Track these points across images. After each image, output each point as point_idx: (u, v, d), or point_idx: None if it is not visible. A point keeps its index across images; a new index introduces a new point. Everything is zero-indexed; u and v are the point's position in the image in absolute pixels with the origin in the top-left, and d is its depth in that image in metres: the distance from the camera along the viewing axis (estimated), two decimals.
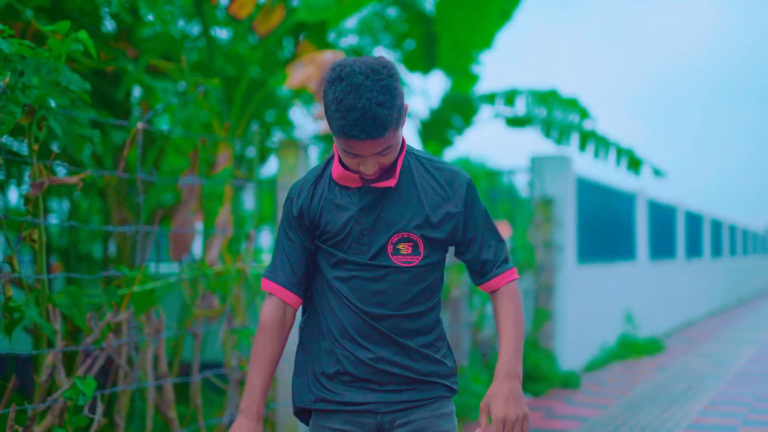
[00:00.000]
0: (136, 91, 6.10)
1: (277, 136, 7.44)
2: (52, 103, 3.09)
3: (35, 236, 3.10)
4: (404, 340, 2.18)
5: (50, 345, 3.17)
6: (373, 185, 2.15)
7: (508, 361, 2.13)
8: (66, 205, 7.03)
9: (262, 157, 6.81)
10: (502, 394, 2.09)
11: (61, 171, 4.98)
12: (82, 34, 2.92)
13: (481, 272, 2.26)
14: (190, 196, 5.15)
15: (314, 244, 2.23)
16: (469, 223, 2.22)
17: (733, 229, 22.48)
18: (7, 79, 2.78)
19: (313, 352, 2.25)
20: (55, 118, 3.14)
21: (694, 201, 19.00)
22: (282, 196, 4.42)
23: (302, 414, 2.28)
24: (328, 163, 2.25)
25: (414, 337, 2.20)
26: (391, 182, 2.15)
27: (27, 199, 3.07)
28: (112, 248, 6.69)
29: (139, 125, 3.45)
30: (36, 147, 3.00)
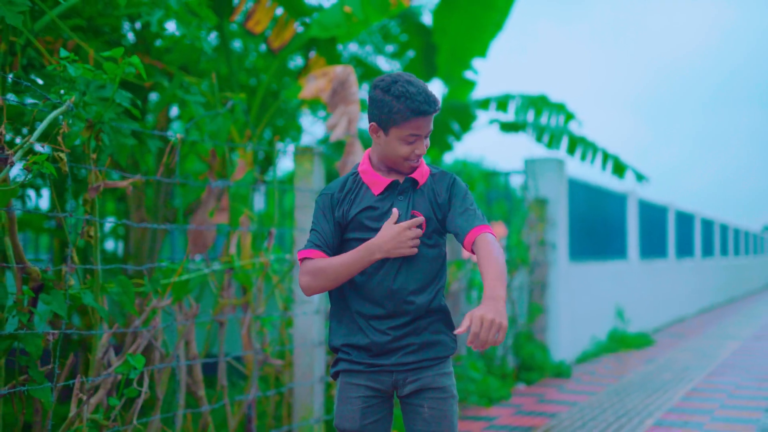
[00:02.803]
0: (152, 96, 6.58)
1: (290, 145, 7.91)
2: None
3: (92, 233, 3.57)
4: (413, 317, 2.70)
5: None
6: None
7: (491, 287, 2.54)
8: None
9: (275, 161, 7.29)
10: (485, 305, 2.48)
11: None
12: (135, 59, 3.39)
13: (461, 235, 2.71)
14: (209, 197, 5.62)
15: (341, 222, 2.74)
16: (452, 201, 2.75)
17: (724, 228, 22.95)
18: (73, 98, 3.26)
19: (344, 314, 2.76)
20: (106, 130, 3.61)
21: (696, 203, 19.55)
22: (300, 198, 4.91)
23: (335, 350, 2.79)
24: (354, 176, 2.79)
25: (418, 294, 2.72)
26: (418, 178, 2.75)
27: (85, 201, 3.54)
28: (120, 248, 7.19)
29: (178, 136, 3.94)
30: (94, 156, 3.48)
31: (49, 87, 3.78)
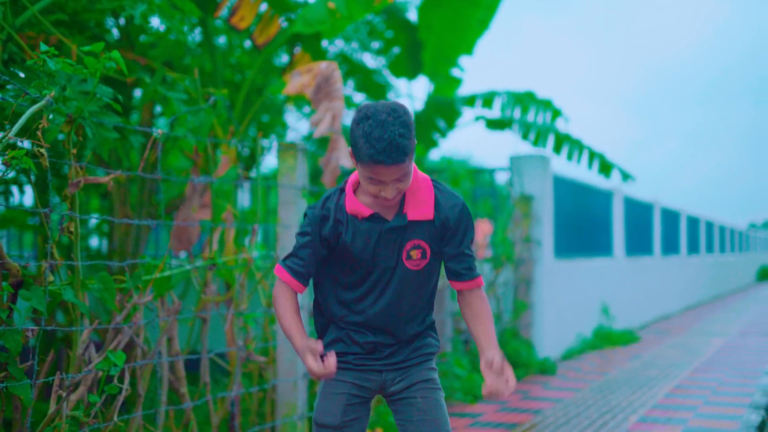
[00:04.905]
0: (136, 92, 6.56)
1: (273, 141, 7.90)
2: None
3: (72, 228, 3.54)
4: (402, 331, 2.75)
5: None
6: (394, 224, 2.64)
7: (495, 342, 2.66)
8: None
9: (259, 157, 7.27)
10: (498, 354, 2.57)
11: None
12: (115, 54, 3.37)
13: (457, 276, 2.73)
14: (193, 194, 5.59)
15: (327, 250, 2.69)
16: (454, 238, 2.70)
17: (710, 225, 23.04)
18: (53, 93, 3.24)
19: (325, 324, 2.79)
20: (87, 125, 3.59)
21: (688, 201, 19.69)
22: (284, 194, 4.89)
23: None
24: (340, 196, 2.68)
25: (410, 327, 2.77)
26: (426, 214, 2.65)
27: (65, 196, 3.52)
28: (104, 244, 7.16)
29: (159, 131, 3.92)
30: (74, 151, 3.46)
31: (30, 81, 3.75)
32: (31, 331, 3.24)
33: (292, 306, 2.66)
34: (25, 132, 3.26)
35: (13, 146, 3.13)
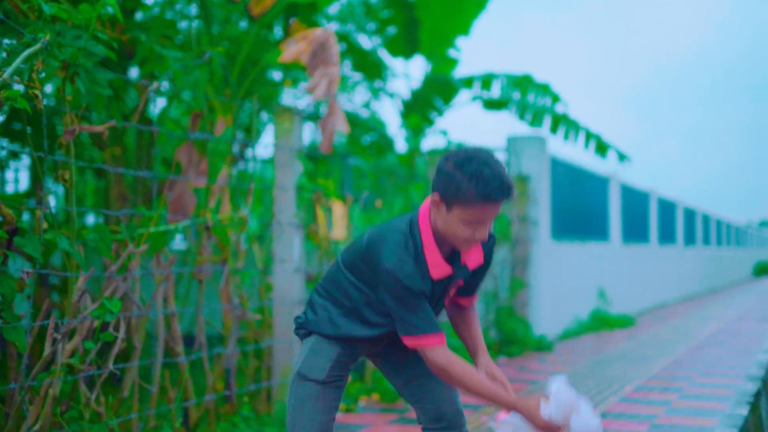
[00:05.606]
0: (132, 74, 6.55)
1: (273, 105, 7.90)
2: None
3: (67, 176, 3.55)
4: None
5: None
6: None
7: (486, 349, 2.80)
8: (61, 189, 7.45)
9: (256, 132, 7.27)
10: (492, 363, 2.75)
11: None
12: (111, 1, 3.38)
13: (465, 292, 2.79)
14: (189, 166, 5.59)
15: None
16: (483, 271, 2.78)
17: (706, 219, 23.06)
18: (47, 37, 3.24)
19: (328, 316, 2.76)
20: (80, 77, 3.59)
21: (688, 199, 19.61)
22: (280, 156, 4.90)
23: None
24: (421, 248, 2.60)
25: None
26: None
27: (60, 144, 3.52)
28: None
29: (155, 84, 3.93)
30: (69, 98, 3.46)
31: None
32: (25, 273, 3.24)
33: (466, 366, 2.58)
34: (21, 77, 3.27)
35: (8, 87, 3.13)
